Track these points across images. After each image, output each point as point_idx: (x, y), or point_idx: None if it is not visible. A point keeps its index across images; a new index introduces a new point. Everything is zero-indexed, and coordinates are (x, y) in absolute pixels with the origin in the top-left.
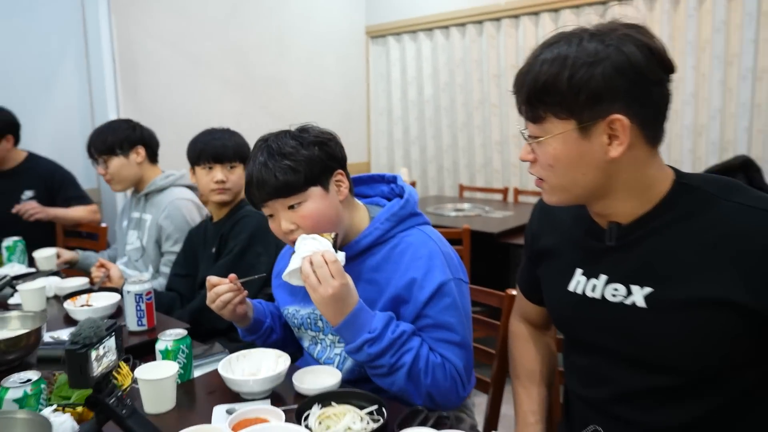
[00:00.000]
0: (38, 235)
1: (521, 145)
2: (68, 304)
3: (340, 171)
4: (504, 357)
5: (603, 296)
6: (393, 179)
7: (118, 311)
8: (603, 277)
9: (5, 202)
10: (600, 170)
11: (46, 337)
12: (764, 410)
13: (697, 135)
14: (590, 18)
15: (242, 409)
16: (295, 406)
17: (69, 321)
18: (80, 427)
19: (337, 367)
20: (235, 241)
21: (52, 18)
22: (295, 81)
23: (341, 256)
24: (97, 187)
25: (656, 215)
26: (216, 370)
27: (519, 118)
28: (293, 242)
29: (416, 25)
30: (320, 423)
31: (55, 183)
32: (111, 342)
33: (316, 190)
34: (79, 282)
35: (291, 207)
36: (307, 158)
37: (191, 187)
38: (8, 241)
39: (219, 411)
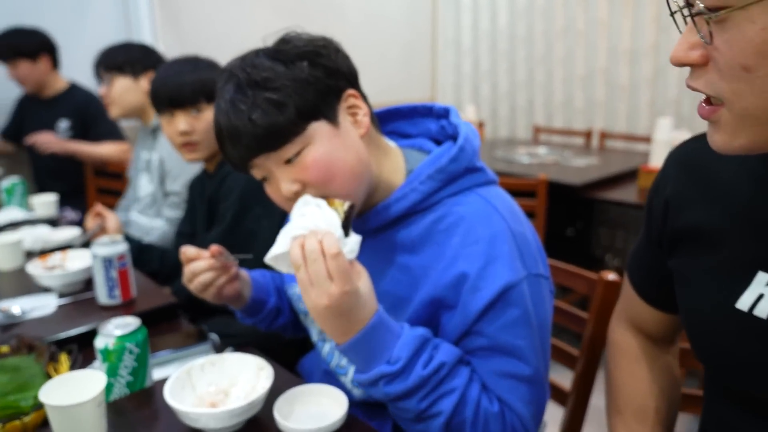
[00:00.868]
0: (69, 169)
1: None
2: (34, 265)
3: (351, 92)
4: (592, 361)
5: None
6: (444, 113)
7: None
8: None
9: (44, 131)
10: None
11: None
12: None
13: None
14: None
15: None
16: None
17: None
18: None
19: (352, 381)
20: (225, 204)
21: None
22: (353, 6)
23: (353, 242)
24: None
25: None
26: None
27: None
28: None
29: None
30: None
31: (89, 115)
32: None
33: (319, 127)
34: (70, 234)
35: (288, 161)
36: (295, 81)
37: None
38: (7, 183)
39: None
